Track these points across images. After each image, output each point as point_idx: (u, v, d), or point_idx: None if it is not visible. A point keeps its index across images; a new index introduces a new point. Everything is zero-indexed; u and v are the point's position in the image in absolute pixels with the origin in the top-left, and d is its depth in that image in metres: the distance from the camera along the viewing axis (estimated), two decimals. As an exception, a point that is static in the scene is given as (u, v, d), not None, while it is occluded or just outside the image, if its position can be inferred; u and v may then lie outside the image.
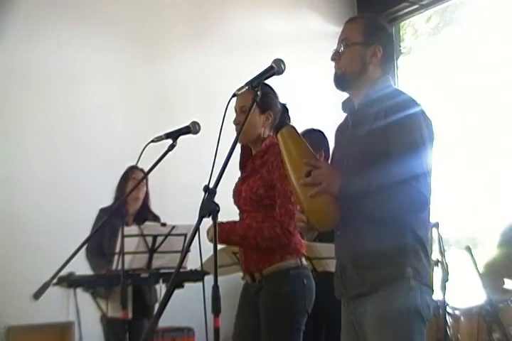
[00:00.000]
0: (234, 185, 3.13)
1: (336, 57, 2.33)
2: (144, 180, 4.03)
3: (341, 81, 2.33)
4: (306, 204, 2.19)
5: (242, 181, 3.06)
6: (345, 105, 2.42)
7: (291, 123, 2.29)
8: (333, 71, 2.36)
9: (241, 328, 3.03)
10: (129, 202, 4.14)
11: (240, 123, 2.91)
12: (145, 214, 4.26)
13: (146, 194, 4.28)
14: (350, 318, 2.31)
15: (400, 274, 2.19)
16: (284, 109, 3.15)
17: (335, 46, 2.36)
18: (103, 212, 4.17)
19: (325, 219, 2.19)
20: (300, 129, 4.18)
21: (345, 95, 2.44)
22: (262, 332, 2.90)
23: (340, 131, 2.45)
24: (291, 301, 2.88)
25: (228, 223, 2.94)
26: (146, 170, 2.78)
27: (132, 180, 4.21)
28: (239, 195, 3.04)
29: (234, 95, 2.09)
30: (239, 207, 3.07)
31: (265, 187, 2.92)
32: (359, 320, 2.25)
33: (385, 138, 2.18)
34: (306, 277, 2.96)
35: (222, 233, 2.87)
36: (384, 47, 2.32)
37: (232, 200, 3.12)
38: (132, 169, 4.28)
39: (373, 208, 2.16)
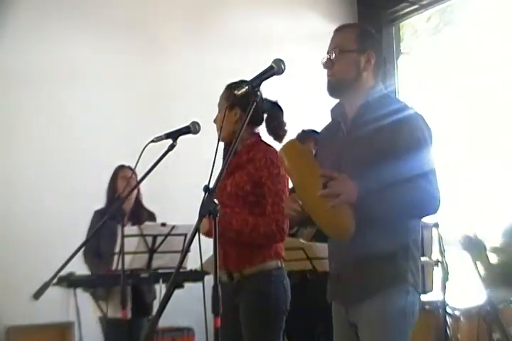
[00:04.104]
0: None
1: (329, 64, 2.35)
2: (134, 177, 4.01)
3: (336, 88, 2.35)
4: (326, 216, 2.17)
5: (227, 176, 3.04)
6: (336, 111, 2.44)
7: (291, 139, 2.29)
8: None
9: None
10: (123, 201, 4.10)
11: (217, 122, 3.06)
12: (139, 211, 4.25)
13: (138, 191, 4.23)
14: (349, 321, 2.31)
15: (402, 279, 2.22)
16: (273, 105, 3.11)
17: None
18: (98, 214, 4.17)
19: (348, 229, 2.15)
20: (301, 129, 4.20)
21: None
22: (245, 332, 2.90)
23: (327, 137, 2.45)
24: (275, 301, 2.90)
25: (224, 217, 2.86)
26: (146, 170, 2.77)
27: (121, 178, 4.21)
28: (223, 190, 3.00)
29: (234, 95, 2.09)
30: (221, 202, 3.00)
31: (252, 183, 2.92)
32: (355, 322, 2.27)
33: (389, 139, 2.19)
34: (285, 278, 2.98)
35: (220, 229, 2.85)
36: (376, 54, 2.36)
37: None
38: (120, 168, 4.28)
39: (381, 211, 2.15)
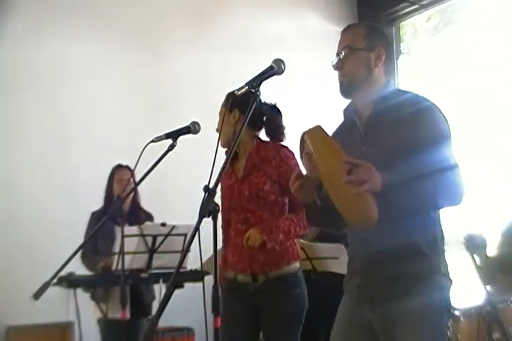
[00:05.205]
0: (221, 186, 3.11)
1: (340, 65, 2.32)
2: (131, 179, 3.99)
3: (349, 88, 2.31)
4: (350, 203, 2.12)
5: (240, 181, 3.06)
6: (349, 110, 2.40)
7: (317, 125, 2.27)
8: (332, 73, 2.36)
9: (236, 326, 3.03)
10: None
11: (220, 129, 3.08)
12: (136, 212, 4.23)
13: (135, 192, 4.20)
14: (370, 322, 2.24)
15: (436, 271, 2.22)
16: (272, 108, 3.15)
17: (335, 46, 2.36)
18: (95, 215, 4.16)
19: (373, 217, 2.10)
20: (300, 129, 4.19)
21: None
22: (271, 330, 2.96)
23: (342, 137, 2.38)
24: (302, 301, 3.02)
25: (269, 225, 2.95)
26: (146, 170, 2.76)
27: (117, 179, 4.20)
28: (240, 195, 3.03)
29: (234, 95, 2.09)
30: (241, 207, 3.04)
31: (271, 182, 2.99)
32: (387, 321, 2.20)
33: (410, 132, 2.17)
34: (303, 278, 3.08)
35: (271, 235, 2.92)
36: (385, 50, 2.34)
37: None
38: (117, 168, 4.27)
39: (406, 201, 2.10)
